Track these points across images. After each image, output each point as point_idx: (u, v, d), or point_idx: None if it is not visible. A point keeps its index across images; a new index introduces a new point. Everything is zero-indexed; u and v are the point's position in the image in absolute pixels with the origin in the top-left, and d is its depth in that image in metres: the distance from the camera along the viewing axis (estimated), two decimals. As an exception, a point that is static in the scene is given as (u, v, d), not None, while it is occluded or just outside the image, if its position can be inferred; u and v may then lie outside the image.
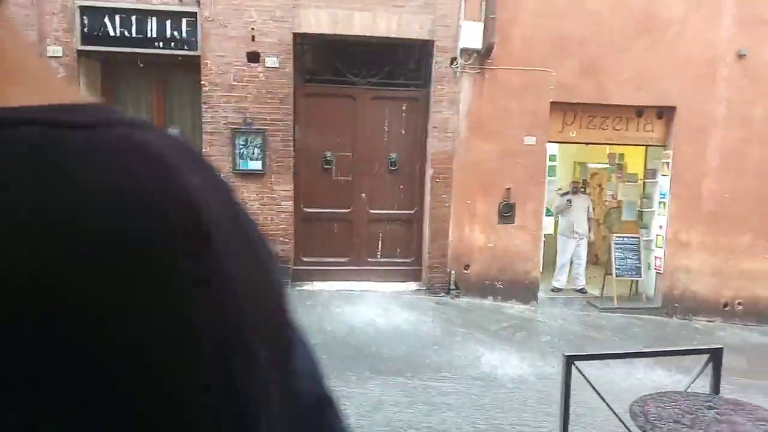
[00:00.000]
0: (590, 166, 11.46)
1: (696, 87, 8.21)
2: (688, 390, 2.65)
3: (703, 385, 3.10)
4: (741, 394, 3.84)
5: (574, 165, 11.47)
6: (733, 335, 8.00)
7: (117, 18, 7.34)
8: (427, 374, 5.55)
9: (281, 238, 7.85)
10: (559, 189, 9.84)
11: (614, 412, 2.57)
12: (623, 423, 2.56)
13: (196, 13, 7.42)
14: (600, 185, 11.46)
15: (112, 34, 7.35)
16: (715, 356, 2.67)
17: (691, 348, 3.21)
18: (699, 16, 8.09)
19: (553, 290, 9.02)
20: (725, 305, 8.58)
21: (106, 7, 7.31)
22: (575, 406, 3.21)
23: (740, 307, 8.58)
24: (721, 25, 8.15)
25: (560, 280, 9.09)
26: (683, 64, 8.11)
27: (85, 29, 7.32)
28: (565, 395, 2.52)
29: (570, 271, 9.17)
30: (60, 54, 7.29)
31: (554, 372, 5.93)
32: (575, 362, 2.53)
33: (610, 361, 5.29)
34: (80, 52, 7.39)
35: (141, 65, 7.66)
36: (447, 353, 6.18)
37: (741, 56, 8.17)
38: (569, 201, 8.92)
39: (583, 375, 2.53)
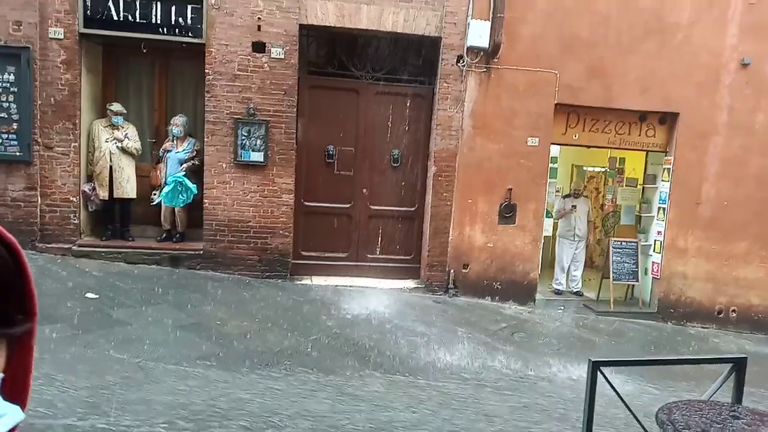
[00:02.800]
0: (588, 169, 11.49)
1: (700, 93, 8.24)
2: (711, 399, 2.63)
3: (690, 390, 3.09)
4: (744, 403, 3.85)
5: (571, 167, 11.49)
6: (727, 342, 8.06)
7: (121, 2, 7.20)
8: (427, 374, 5.51)
9: (281, 231, 7.78)
10: (558, 191, 9.85)
11: (640, 423, 2.55)
12: (645, 430, 2.54)
13: (202, 0, 7.30)
14: (596, 188, 11.50)
15: (115, 18, 7.22)
16: (739, 366, 2.66)
17: (715, 357, 3.19)
18: (706, 23, 8.11)
19: (555, 292, 9.03)
20: (719, 312, 8.64)
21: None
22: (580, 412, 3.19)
23: (734, 315, 8.64)
24: (727, 32, 8.17)
25: (560, 282, 9.11)
26: (688, 70, 8.14)
27: (88, 12, 7.18)
28: (589, 401, 2.49)
29: (567, 274, 9.19)
30: (61, 36, 7.15)
31: (554, 374, 5.94)
32: (601, 368, 2.51)
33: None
34: (82, 35, 7.25)
35: (144, 51, 7.53)
36: (446, 353, 6.15)
37: (745, 65, 8.20)
38: (574, 206, 8.91)
39: (608, 382, 2.50)
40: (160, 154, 7.81)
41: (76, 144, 7.41)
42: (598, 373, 2.50)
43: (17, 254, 0.69)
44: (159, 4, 7.26)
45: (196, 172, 7.84)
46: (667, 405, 2.45)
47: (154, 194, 7.85)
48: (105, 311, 5.99)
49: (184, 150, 7.72)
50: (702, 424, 2.28)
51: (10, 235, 0.68)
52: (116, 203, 7.72)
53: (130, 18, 7.22)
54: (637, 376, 5.74)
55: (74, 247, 7.45)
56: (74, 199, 7.46)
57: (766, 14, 8.16)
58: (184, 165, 7.65)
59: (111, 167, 7.52)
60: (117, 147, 7.51)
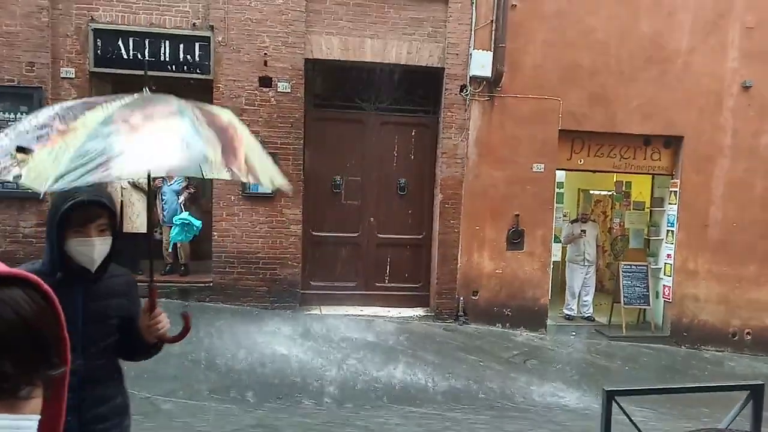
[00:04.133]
0: (594, 193, 11.50)
1: (703, 117, 8.29)
2: (730, 427, 2.60)
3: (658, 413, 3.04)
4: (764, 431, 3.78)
5: (578, 192, 11.50)
6: (743, 366, 7.94)
7: (130, 41, 7.38)
8: (440, 403, 5.46)
9: (289, 262, 7.80)
10: (565, 216, 9.85)
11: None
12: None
13: (209, 37, 7.47)
14: (603, 212, 11.48)
15: (125, 56, 7.38)
16: (756, 392, 2.62)
17: (731, 384, 3.16)
18: (706, 48, 8.21)
19: (566, 318, 8.96)
20: (734, 335, 8.53)
21: (119, 30, 7.35)
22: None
23: (749, 337, 8.53)
24: (728, 56, 8.26)
25: (572, 308, 9.04)
26: (690, 95, 8.20)
27: (99, 51, 7.35)
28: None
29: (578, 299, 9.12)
30: (72, 75, 7.31)
31: (568, 402, 5.87)
32: (616, 397, 2.49)
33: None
34: (93, 74, 7.41)
35: (154, 88, 7.66)
36: (458, 381, 6.10)
37: (746, 87, 8.27)
38: (583, 231, 8.90)
39: (624, 411, 2.47)
40: (156, 191, 7.95)
41: (87, 180, 7.49)
42: (613, 402, 2.48)
43: (53, 303, 0.73)
44: (168, 42, 7.44)
45: (195, 200, 7.95)
46: (685, 433, 2.42)
47: (156, 231, 8.01)
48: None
49: (176, 182, 7.84)
50: (721, 453, 2.25)
51: (46, 285, 0.72)
52: (125, 238, 7.78)
53: (139, 56, 7.38)
54: (653, 402, 5.66)
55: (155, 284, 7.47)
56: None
57: (765, 38, 8.25)
58: (181, 197, 7.75)
59: (122, 202, 7.61)
60: (128, 182, 7.62)
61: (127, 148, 1.74)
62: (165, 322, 2.05)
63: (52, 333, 0.71)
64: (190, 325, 2.19)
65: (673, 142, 8.49)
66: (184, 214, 7.66)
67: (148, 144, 1.81)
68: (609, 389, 2.53)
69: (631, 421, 2.45)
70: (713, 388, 2.92)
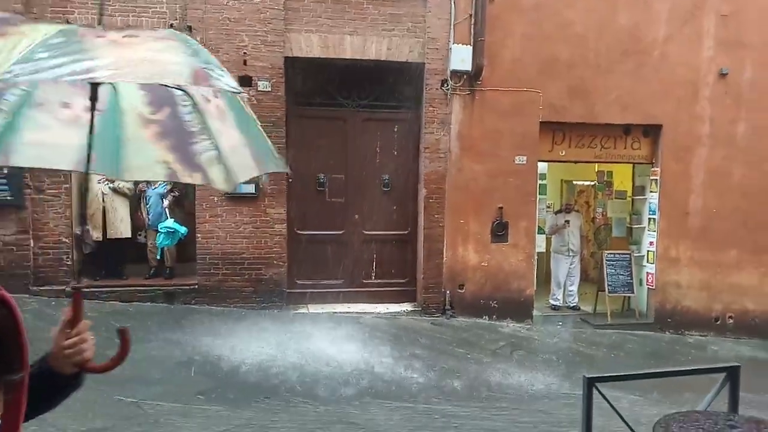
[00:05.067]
0: (577, 183, 11.60)
1: (680, 106, 8.40)
2: (707, 409, 2.66)
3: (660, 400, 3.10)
4: (743, 410, 3.86)
5: (561, 183, 11.59)
6: (726, 350, 8.08)
7: (107, 43, 7.29)
8: (428, 397, 5.50)
9: (275, 262, 7.79)
10: (548, 207, 9.93)
11: (638, 435, 2.56)
12: (645, 445, 2.55)
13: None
14: (587, 203, 11.58)
15: (102, 59, 7.29)
16: (732, 374, 2.69)
17: (708, 367, 3.23)
18: (682, 38, 8.30)
19: (552, 308, 9.05)
20: (716, 319, 8.68)
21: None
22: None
23: (731, 321, 8.68)
24: (703, 45, 8.37)
25: (557, 298, 9.13)
26: (668, 84, 8.30)
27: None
28: (587, 418, 2.51)
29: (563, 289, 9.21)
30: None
31: (554, 391, 5.94)
32: (596, 384, 2.53)
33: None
34: (70, 78, 7.32)
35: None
36: (446, 375, 6.14)
37: (723, 75, 8.38)
38: (567, 221, 8.98)
39: (604, 398, 2.52)
40: (140, 195, 7.92)
41: (67, 186, 7.42)
42: (594, 389, 2.52)
43: (13, 311, 0.76)
44: (145, 44, 7.36)
45: (180, 203, 7.93)
46: (664, 418, 2.48)
47: (140, 234, 7.98)
48: (100, 351, 5.92)
49: (160, 185, 7.80)
50: (699, 435, 2.30)
51: (8, 296, 0.75)
52: (110, 243, 7.73)
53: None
54: (636, 388, 5.75)
55: (68, 289, 7.40)
56: (67, 241, 7.46)
57: (740, 27, 8.37)
58: (166, 201, 7.71)
59: (104, 208, 7.55)
60: (109, 187, 7.56)
61: (116, 59, 1.51)
62: (91, 342, 1.45)
63: (12, 339, 0.75)
64: (129, 345, 1.61)
65: (652, 131, 8.59)
66: (170, 222, 7.65)
67: (143, 58, 1.58)
68: (590, 376, 2.57)
69: (611, 406, 2.50)
70: (691, 371, 2.99)
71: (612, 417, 2.88)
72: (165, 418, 4.61)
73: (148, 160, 1.70)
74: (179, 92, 1.79)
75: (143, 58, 1.59)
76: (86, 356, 1.42)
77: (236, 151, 1.82)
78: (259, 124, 1.87)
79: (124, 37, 1.57)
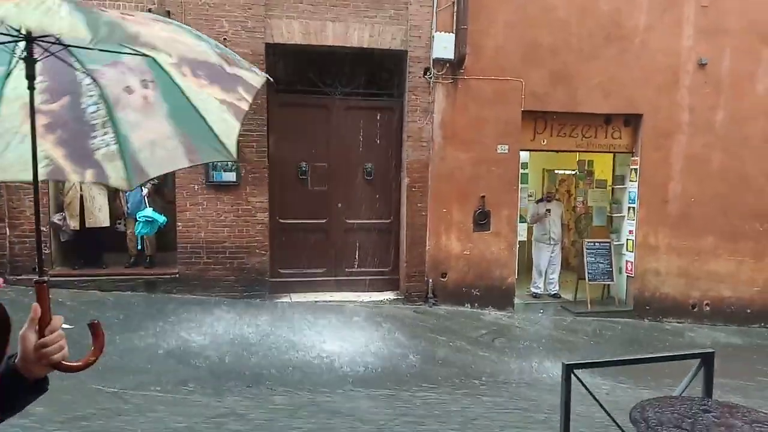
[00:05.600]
0: (558, 172, 11.68)
1: (661, 95, 8.47)
2: (682, 394, 2.71)
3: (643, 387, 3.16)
4: (719, 395, 3.94)
5: (542, 172, 11.67)
6: (702, 336, 8.24)
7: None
8: (411, 385, 5.53)
9: (257, 251, 7.75)
10: (530, 196, 9.99)
11: (615, 422, 2.60)
12: (623, 430, 2.59)
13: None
14: (568, 191, 11.68)
15: (78, 44, 7.14)
16: (707, 360, 2.74)
17: (683, 353, 3.28)
18: (662, 26, 8.36)
19: (533, 296, 9.14)
20: (694, 306, 8.83)
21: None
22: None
23: (708, 308, 8.84)
24: (683, 34, 8.43)
25: (538, 286, 9.23)
26: (648, 73, 8.36)
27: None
28: (565, 404, 2.54)
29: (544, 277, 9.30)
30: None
31: (535, 377, 6.01)
32: (575, 370, 2.56)
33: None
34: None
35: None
36: (429, 363, 6.18)
37: (702, 65, 8.46)
38: (548, 210, 9.06)
39: (583, 384, 2.55)
40: None
41: (44, 173, 7.29)
42: (573, 375, 2.55)
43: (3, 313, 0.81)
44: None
45: (159, 191, 7.84)
46: (640, 403, 2.52)
47: (119, 223, 7.89)
48: (80, 341, 5.87)
49: None
50: (674, 420, 2.34)
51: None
52: (88, 232, 7.62)
53: (94, 44, 7.15)
54: (616, 374, 5.84)
55: (46, 278, 7.29)
56: (44, 230, 7.33)
57: (719, 15, 8.44)
58: (145, 189, 7.61)
59: (81, 196, 7.43)
60: (86, 175, 7.43)
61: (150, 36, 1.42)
62: (63, 340, 1.33)
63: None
64: (103, 339, 1.50)
65: (632, 121, 8.66)
66: (148, 210, 7.54)
67: (171, 38, 1.50)
68: (568, 363, 2.60)
69: (588, 391, 2.53)
70: (667, 357, 3.04)
71: (593, 403, 2.92)
72: (146, 408, 4.58)
73: (26, 158, 1.54)
74: (88, 81, 1.70)
75: (171, 38, 1.53)
76: (62, 356, 1.31)
77: (156, 144, 1.75)
78: (219, 110, 1.77)
79: (122, 14, 1.48)
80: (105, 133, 1.73)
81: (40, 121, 1.61)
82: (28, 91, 1.53)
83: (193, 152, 1.80)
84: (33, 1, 1.26)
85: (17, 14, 1.24)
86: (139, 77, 1.74)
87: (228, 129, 1.79)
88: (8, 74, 1.64)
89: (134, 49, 1.60)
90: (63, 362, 1.33)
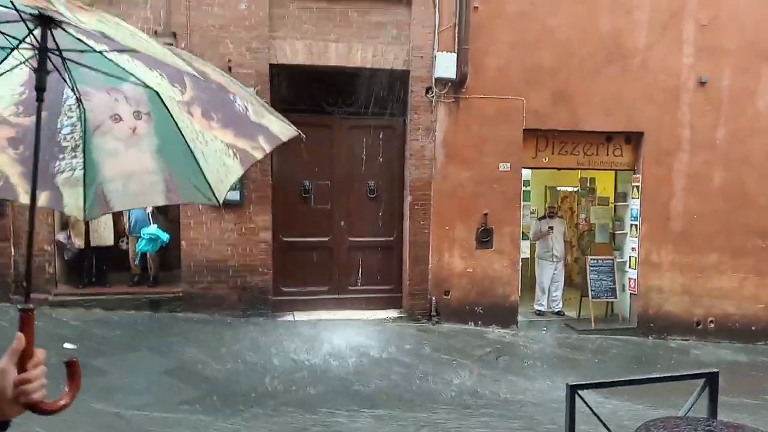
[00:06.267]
0: (560, 189, 11.72)
1: (662, 113, 8.52)
2: (687, 414, 2.70)
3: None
4: (725, 414, 3.92)
5: (545, 189, 11.71)
6: (707, 354, 8.19)
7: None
8: (412, 404, 5.51)
9: (260, 269, 7.76)
10: (532, 213, 10.01)
11: (620, 441, 2.59)
12: (627, 450, 2.58)
13: (171, 44, 7.38)
14: (571, 208, 11.71)
15: (85, 66, 7.24)
16: (712, 380, 2.73)
17: (687, 373, 3.28)
18: (662, 45, 8.44)
19: (536, 314, 9.12)
20: (698, 323, 8.79)
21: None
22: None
23: (712, 325, 8.80)
24: (683, 53, 8.51)
25: (542, 303, 9.21)
26: (649, 91, 8.43)
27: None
28: (570, 425, 2.54)
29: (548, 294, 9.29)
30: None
31: (540, 396, 5.97)
32: (579, 391, 2.56)
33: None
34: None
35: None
36: (431, 382, 6.15)
37: (702, 83, 8.53)
38: (551, 228, 9.08)
39: (587, 404, 2.55)
40: None
41: (49, 192, 7.36)
42: (577, 396, 2.56)
43: None
44: (129, 50, 7.32)
45: (163, 209, 7.89)
46: (645, 423, 2.51)
47: (122, 241, 7.92)
48: (84, 361, 5.86)
49: None
50: (679, 441, 2.34)
51: None
52: (93, 251, 7.66)
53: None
54: (621, 393, 5.80)
55: (51, 297, 7.33)
56: (49, 249, 7.38)
57: (718, 34, 8.53)
58: (149, 207, 7.63)
59: (86, 214, 7.47)
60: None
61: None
62: (43, 378, 1.18)
63: None
64: (79, 378, 1.33)
65: (633, 138, 8.71)
66: (152, 228, 7.58)
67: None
68: (572, 384, 2.61)
69: (593, 412, 2.53)
70: (671, 378, 3.03)
71: (598, 422, 2.92)
72: (149, 428, 4.57)
73: None
74: (72, 101, 1.63)
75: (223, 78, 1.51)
76: (42, 395, 1.16)
77: (132, 177, 1.68)
78: (222, 153, 1.72)
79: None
80: (73, 157, 1.65)
81: (5, 133, 1.53)
82: (1, 101, 1.47)
83: (172, 191, 1.76)
84: (108, 20, 1.24)
85: (113, 33, 1.23)
86: (134, 108, 1.69)
87: (225, 174, 1.75)
88: None
89: (141, 80, 1.59)
90: (41, 403, 1.17)
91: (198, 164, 1.74)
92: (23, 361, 1.15)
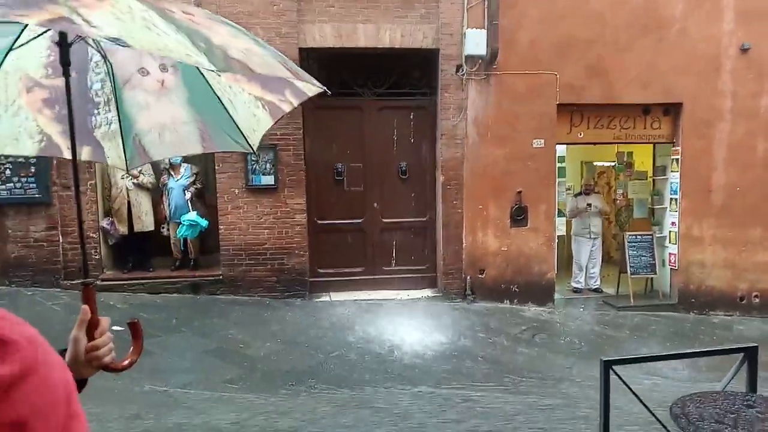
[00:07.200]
0: (597, 164, 11.49)
1: (701, 82, 8.25)
2: (726, 389, 2.68)
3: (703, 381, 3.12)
4: (766, 389, 3.85)
5: (581, 165, 11.50)
6: (752, 329, 8.00)
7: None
8: (450, 381, 5.57)
9: (296, 251, 7.91)
10: (569, 189, 9.86)
11: (655, 417, 2.60)
12: (664, 426, 2.59)
13: (203, 33, 7.49)
14: (608, 184, 11.48)
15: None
16: (751, 355, 2.69)
17: (726, 348, 3.23)
18: (701, 13, 8.14)
19: (574, 291, 9.04)
20: (742, 298, 8.58)
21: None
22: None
23: (757, 300, 8.57)
24: (723, 20, 8.19)
25: (579, 280, 9.11)
26: (688, 61, 8.16)
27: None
28: (604, 400, 2.55)
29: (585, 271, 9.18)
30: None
31: (576, 373, 5.96)
32: (613, 366, 2.57)
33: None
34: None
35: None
36: (467, 360, 6.20)
37: (744, 50, 8.20)
38: (588, 205, 8.93)
39: (621, 379, 2.56)
40: (162, 188, 8.03)
41: (93, 182, 7.63)
42: (611, 371, 2.56)
43: None
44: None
45: (201, 195, 8.07)
46: (681, 398, 2.51)
47: (163, 227, 8.14)
48: (130, 343, 6.13)
49: (183, 176, 7.93)
50: (716, 415, 2.33)
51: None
52: (136, 236, 7.92)
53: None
54: (660, 371, 5.74)
55: (98, 282, 7.63)
56: (94, 235, 7.66)
57: (761, -2, 8.17)
58: (188, 193, 7.84)
59: (129, 203, 7.73)
60: (133, 183, 7.73)
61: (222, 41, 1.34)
62: (111, 342, 1.36)
63: None
64: (142, 338, 1.58)
65: (672, 110, 8.46)
66: (192, 214, 7.77)
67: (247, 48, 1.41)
68: (606, 359, 2.61)
69: (627, 386, 2.53)
70: (708, 352, 3.00)
71: (634, 398, 2.92)
72: (196, 406, 4.76)
73: (14, 131, 1.50)
74: (98, 57, 1.63)
75: (248, 49, 1.45)
76: (111, 358, 1.33)
77: (167, 128, 1.70)
78: (251, 104, 1.74)
79: (186, 14, 1.40)
80: (107, 111, 1.68)
81: (40, 95, 1.57)
82: (30, 64, 1.49)
83: (207, 140, 1.79)
84: (122, 10, 1.22)
85: (129, 32, 1.20)
86: (159, 61, 1.70)
87: (256, 124, 1.78)
88: (10, 47, 1.54)
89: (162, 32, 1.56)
90: (111, 364, 1.35)
91: (229, 114, 1.77)
92: (91, 329, 1.30)
